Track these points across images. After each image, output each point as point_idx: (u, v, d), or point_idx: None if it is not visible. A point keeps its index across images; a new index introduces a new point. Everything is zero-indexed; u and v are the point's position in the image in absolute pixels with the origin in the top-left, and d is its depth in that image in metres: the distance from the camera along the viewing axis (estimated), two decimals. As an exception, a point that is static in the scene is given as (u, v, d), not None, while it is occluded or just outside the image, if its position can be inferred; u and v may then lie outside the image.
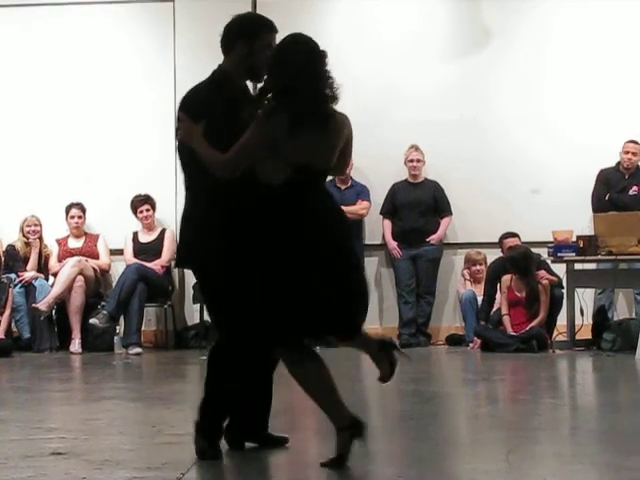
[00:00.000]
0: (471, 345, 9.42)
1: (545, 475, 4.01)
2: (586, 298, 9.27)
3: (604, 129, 9.92)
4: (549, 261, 9.34)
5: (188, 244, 4.29)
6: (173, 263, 9.41)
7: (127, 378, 8.19)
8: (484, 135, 10.11)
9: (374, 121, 10.00)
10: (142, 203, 9.94)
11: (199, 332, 9.72)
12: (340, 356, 9.21)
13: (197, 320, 9.87)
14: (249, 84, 4.41)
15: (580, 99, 10.08)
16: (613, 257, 8.82)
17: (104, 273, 10.04)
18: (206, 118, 4.06)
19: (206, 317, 8.93)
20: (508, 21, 10.24)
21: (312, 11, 10.37)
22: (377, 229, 10.16)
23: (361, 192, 10.03)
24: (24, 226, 9.97)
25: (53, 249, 10.11)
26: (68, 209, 10.07)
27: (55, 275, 9.82)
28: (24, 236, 9.98)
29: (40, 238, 9.99)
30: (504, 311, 9.28)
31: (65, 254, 9.99)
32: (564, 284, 9.26)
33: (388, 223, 10.08)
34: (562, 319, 9.30)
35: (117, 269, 10.03)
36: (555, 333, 9.31)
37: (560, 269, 9.29)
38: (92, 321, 9.24)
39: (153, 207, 9.94)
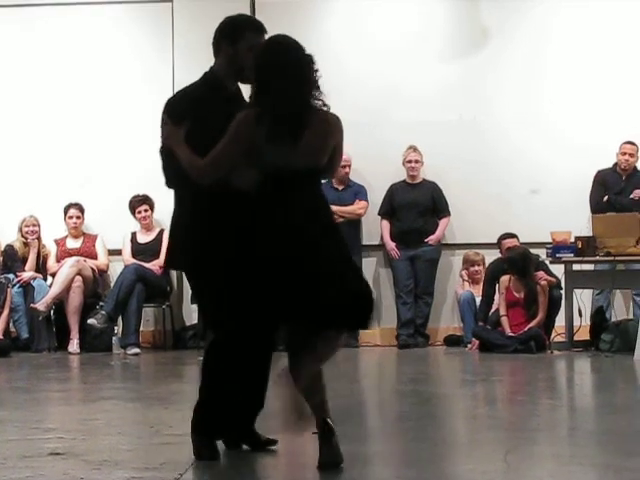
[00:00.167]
0: (469, 346, 9.41)
1: (543, 476, 4.02)
2: (584, 299, 9.26)
3: (604, 130, 9.92)
4: (547, 262, 9.34)
5: (175, 246, 4.32)
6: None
7: (125, 378, 8.19)
8: (483, 135, 10.11)
9: (373, 121, 10.02)
10: (140, 203, 9.94)
11: (197, 332, 9.71)
12: (338, 357, 9.23)
13: (195, 320, 9.85)
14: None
15: (579, 99, 10.08)
16: (611, 258, 8.82)
17: (102, 273, 10.04)
18: (197, 120, 4.05)
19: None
20: (507, 21, 10.24)
21: (311, 11, 10.38)
22: (375, 229, 10.16)
23: (359, 192, 10.03)
24: (22, 226, 9.96)
25: (51, 249, 10.10)
26: (66, 209, 10.07)
27: (53, 275, 9.82)
28: (22, 236, 9.98)
29: (38, 238, 9.99)
30: (502, 312, 9.28)
31: (63, 254, 9.99)
32: (562, 285, 9.27)
33: (386, 224, 10.08)
34: (560, 320, 9.30)
35: (115, 269, 10.04)
36: (553, 334, 9.30)
37: (558, 270, 9.29)
38: (90, 321, 9.24)
39: (151, 207, 9.95)
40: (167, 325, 10.04)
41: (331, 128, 4.03)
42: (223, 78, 4.26)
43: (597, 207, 9.63)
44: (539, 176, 10.00)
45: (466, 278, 10.04)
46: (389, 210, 10.07)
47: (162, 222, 9.87)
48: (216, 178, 3.98)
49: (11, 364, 8.82)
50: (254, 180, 3.96)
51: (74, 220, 10.06)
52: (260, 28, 4.29)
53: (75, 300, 9.59)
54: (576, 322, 9.16)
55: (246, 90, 4.22)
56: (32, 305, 9.49)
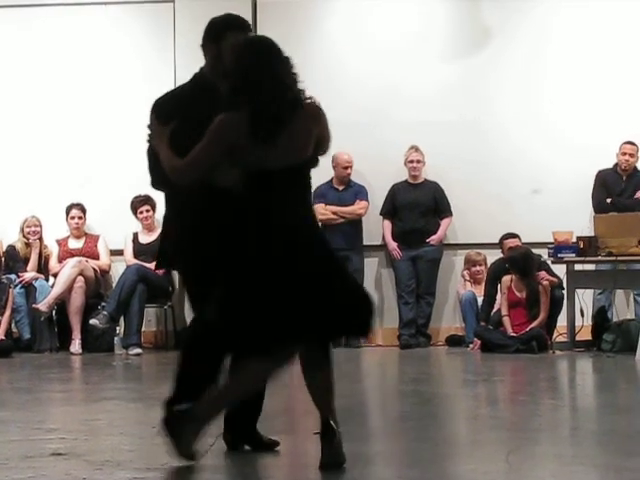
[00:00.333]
0: (471, 346, 9.41)
1: (545, 476, 4.02)
2: (586, 299, 9.26)
3: (605, 130, 9.92)
4: (549, 262, 9.34)
5: (165, 246, 4.34)
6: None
7: (127, 379, 8.19)
8: (484, 136, 10.11)
9: (374, 121, 10.02)
10: (142, 204, 9.94)
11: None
12: (341, 357, 9.23)
13: (197, 321, 9.85)
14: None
15: (581, 99, 10.08)
16: (613, 258, 8.82)
17: (104, 274, 10.05)
18: (186, 120, 4.03)
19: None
20: (508, 21, 10.24)
21: (312, 11, 10.38)
22: (377, 230, 10.16)
23: (359, 192, 10.04)
24: (24, 227, 9.97)
25: (53, 250, 10.11)
26: (68, 210, 10.08)
27: (55, 276, 9.82)
28: (24, 237, 9.98)
29: (40, 239, 10.00)
30: (504, 312, 9.27)
31: (65, 255, 9.99)
32: (564, 285, 9.26)
33: (388, 224, 10.08)
34: (562, 320, 9.30)
35: (117, 270, 10.03)
36: (555, 334, 9.30)
37: (560, 270, 9.29)
38: (92, 322, 9.24)
39: (153, 208, 9.94)
40: (169, 325, 10.03)
41: (311, 121, 3.98)
42: (212, 78, 4.24)
43: (599, 207, 9.63)
44: (541, 176, 10.00)
45: (468, 278, 10.04)
46: (391, 210, 10.07)
47: (164, 222, 9.86)
48: (194, 179, 3.96)
49: (13, 364, 8.82)
50: (238, 179, 3.94)
51: (76, 220, 10.06)
52: (242, 26, 4.28)
53: (77, 300, 9.60)
54: (578, 322, 9.16)
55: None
56: (34, 305, 9.49)
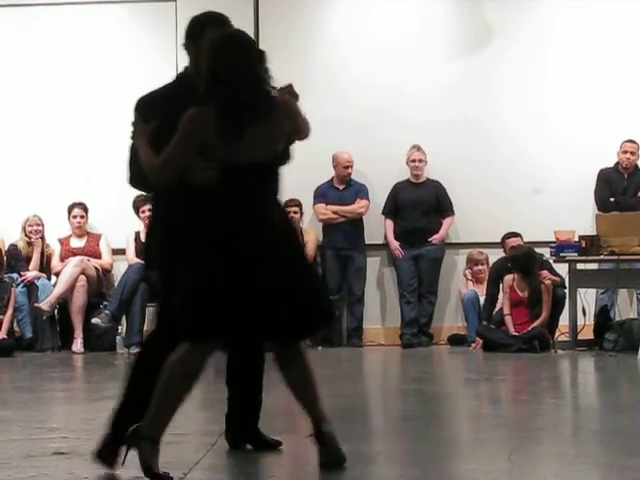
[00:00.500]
0: (473, 345, 9.41)
1: (547, 476, 4.02)
2: (588, 298, 9.26)
3: (607, 129, 9.91)
4: (551, 261, 9.33)
5: (151, 247, 4.33)
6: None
7: (129, 378, 8.18)
8: (486, 135, 10.10)
9: (376, 121, 10.02)
10: (144, 203, 9.90)
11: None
12: (342, 357, 9.24)
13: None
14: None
15: (583, 99, 10.08)
16: (615, 257, 8.81)
17: (106, 273, 10.05)
18: (170, 119, 4.00)
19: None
20: (510, 21, 10.24)
21: (313, 11, 10.38)
22: (378, 229, 10.16)
23: (360, 191, 10.03)
24: (26, 226, 9.97)
25: (55, 249, 10.11)
26: (70, 209, 10.08)
27: (57, 275, 9.82)
28: (26, 236, 9.99)
29: (42, 238, 10.00)
30: (506, 311, 9.27)
31: (67, 254, 9.99)
32: (566, 284, 9.26)
33: (390, 223, 10.08)
34: (564, 319, 9.30)
35: (119, 269, 10.03)
36: (557, 333, 9.30)
37: (562, 269, 9.29)
38: (94, 321, 9.25)
39: (155, 207, 9.93)
40: (171, 325, 10.02)
41: (284, 117, 3.92)
42: (195, 77, 4.21)
43: (603, 205, 9.63)
44: (543, 175, 10.00)
45: (470, 277, 10.04)
46: (393, 209, 10.07)
47: (166, 222, 9.86)
48: (169, 177, 3.92)
49: (15, 364, 8.83)
50: (213, 175, 3.91)
51: (78, 219, 10.06)
52: (221, 23, 4.22)
53: (79, 299, 9.60)
54: (580, 321, 9.16)
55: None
56: (36, 304, 9.49)
